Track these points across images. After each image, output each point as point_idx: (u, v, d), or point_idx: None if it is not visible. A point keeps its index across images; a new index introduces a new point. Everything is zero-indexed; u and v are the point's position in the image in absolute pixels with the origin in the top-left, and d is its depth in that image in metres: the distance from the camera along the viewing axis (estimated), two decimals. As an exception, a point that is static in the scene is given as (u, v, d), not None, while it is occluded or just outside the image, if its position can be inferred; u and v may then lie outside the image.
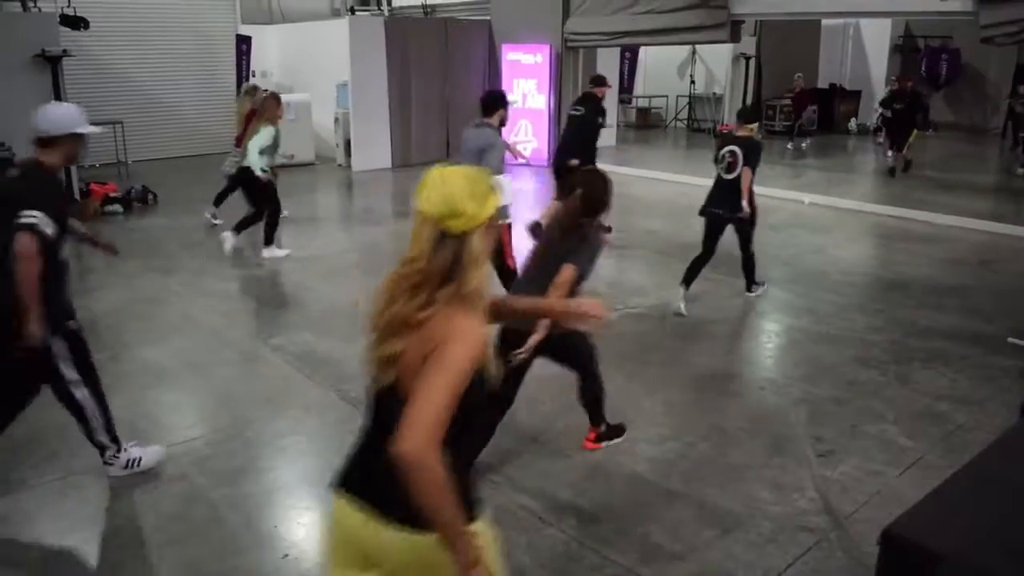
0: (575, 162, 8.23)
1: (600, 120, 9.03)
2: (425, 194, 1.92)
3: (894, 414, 4.99)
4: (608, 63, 15.33)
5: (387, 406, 1.95)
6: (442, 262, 1.92)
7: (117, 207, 10.50)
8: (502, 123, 6.20)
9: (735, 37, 12.10)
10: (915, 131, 13.94)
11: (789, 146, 16.92)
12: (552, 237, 4.15)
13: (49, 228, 3.55)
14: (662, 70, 20.94)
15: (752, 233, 6.88)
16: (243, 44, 15.01)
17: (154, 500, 3.96)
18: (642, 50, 18.11)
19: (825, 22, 19.85)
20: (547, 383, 5.43)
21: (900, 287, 7.57)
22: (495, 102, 6.17)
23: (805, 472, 4.29)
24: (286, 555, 3.58)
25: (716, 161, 6.79)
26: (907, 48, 20.65)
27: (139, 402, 5.08)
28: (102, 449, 4.06)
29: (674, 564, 3.46)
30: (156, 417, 4.91)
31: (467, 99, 15.00)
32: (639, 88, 21.26)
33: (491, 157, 5.97)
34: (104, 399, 4.01)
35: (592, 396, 4.38)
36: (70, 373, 3.83)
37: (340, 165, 14.26)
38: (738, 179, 6.55)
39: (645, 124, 21.17)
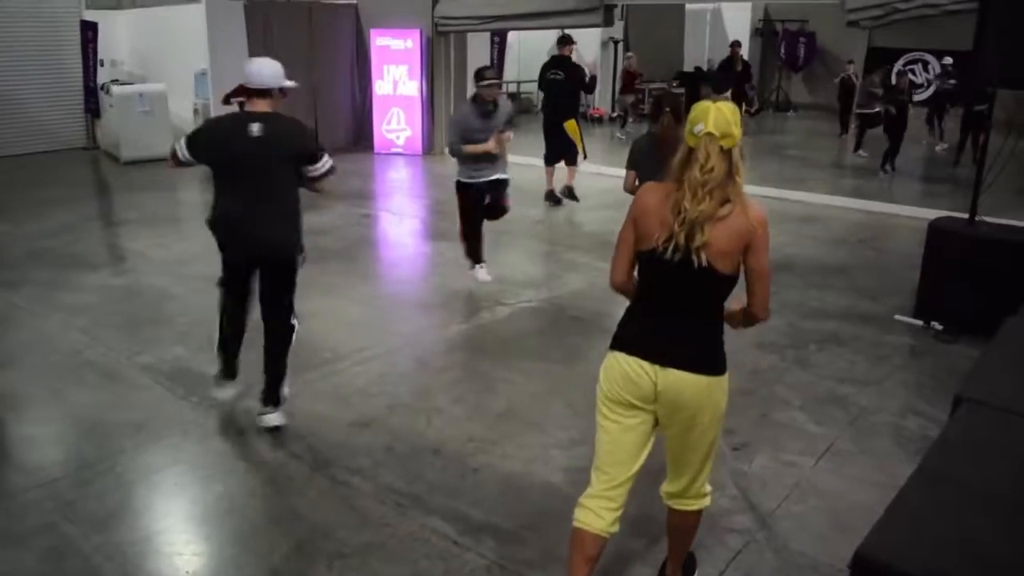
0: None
1: (584, 77, 10.65)
2: (711, 120, 2.58)
3: (800, 400, 4.96)
4: (478, 48, 15.02)
5: (699, 281, 2.65)
6: (724, 169, 2.60)
7: (-52, 213, 9.46)
8: (474, 98, 6.54)
9: (608, 21, 12.03)
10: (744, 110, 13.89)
11: (619, 134, 16.64)
12: (653, 160, 4.64)
13: None
14: (533, 55, 20.80)
15: None
16: (89, 31, 13.89)
17: (15, 559, 3.43)
18: (512, 35, 17.92)
19: (689, 7, 20.23)
20: (444, 385, 5.17)
21: (787, 268, 7.60)
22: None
23: (723, 468, 4.16)
24: (174, 610, 3.16)
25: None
26: (767, 32, 21.32)
27: (-13, 438, 4.48)
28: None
29: (604, 582, 3.25)
30: (10, 454, 4.32)
31: (335, 86, 14.41)
32: (510, 73, 21.07)
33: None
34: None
35: None
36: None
37: (202, 159, 13.33)
38: None
39: (516, 109, 21.03)
